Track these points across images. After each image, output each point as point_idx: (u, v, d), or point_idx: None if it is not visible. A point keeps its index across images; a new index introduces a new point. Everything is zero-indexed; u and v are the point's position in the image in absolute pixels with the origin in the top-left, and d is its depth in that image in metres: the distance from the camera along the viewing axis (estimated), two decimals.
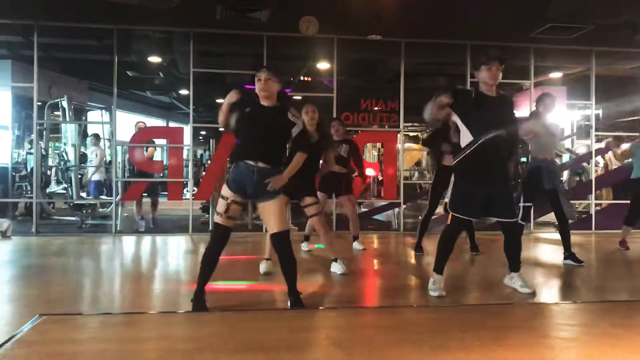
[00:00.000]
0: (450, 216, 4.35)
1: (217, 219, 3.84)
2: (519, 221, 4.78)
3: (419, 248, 6.53)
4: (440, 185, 6.10)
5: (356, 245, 6.87)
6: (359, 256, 6.62)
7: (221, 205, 3.82)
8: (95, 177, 10.15)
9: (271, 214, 3.83)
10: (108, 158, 10.67)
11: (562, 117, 12.10)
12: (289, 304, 3.89)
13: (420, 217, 10.99)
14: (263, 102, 3.88)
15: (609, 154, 12.04)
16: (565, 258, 5.86)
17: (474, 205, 4.26)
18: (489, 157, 4.16)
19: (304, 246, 6.64)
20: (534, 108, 5.95)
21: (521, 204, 5.53)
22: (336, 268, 5.30)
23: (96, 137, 10.38)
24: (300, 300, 3.90)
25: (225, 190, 3.83)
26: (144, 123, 9.29)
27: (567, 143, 12.17)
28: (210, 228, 8.90)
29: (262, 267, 5.27)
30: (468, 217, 4.35)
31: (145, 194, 8.90)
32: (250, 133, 3.83)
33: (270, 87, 3.84)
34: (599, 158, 11.49)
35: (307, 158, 4.59)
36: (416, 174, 16.38)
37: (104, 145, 10.58)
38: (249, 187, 3.79)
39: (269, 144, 3.84)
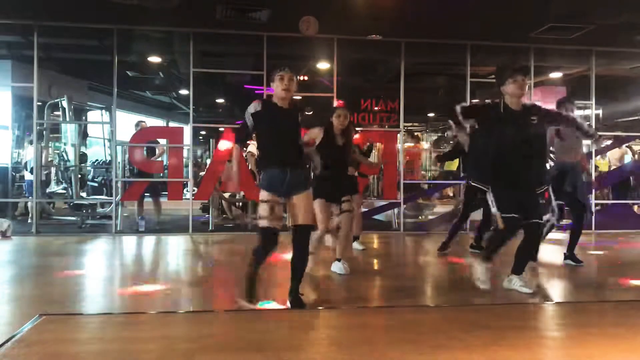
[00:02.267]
0: (501, 220, 4.40)
1: (264, 222, 3.85)
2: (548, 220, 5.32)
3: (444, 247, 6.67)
4: (471, 192, 6.35)
5: (356, 245, 6.89)
6: (359, 256, 6.62)
7: (265, 210, 3.84)
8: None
9: (302, 207, 3.88)
10: (108, 158, 10.66)
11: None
12: (288, 303, 3.89)
13: (420, 217, 11.06)
14: (280, 103, 3.93)
15: (608, 154, 12.07)
16: (565, 258, 5.86)
17: (515, 203, 4.35)
18: (516, 167, 4.34)
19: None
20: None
21: (554, 203, 5.58)
22: (337, 268, 5.31)
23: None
24: (301, 300, 3.91)
25: (263, 195, 3.87)
26: (146, 122, 9.30)
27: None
28: (210, 228, 8.93)
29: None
30: (517, 215, 4.35)
31: (148, 195, 8.89)
32: (275, 137, 3.90)
33: (293, 87, 3.90)
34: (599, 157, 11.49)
35: (337, 161, 5.08)
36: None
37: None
38: (283, 186, 3.85)
39: (293, 144, 3.92)
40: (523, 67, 4.50)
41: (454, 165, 12.74)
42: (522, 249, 4.54)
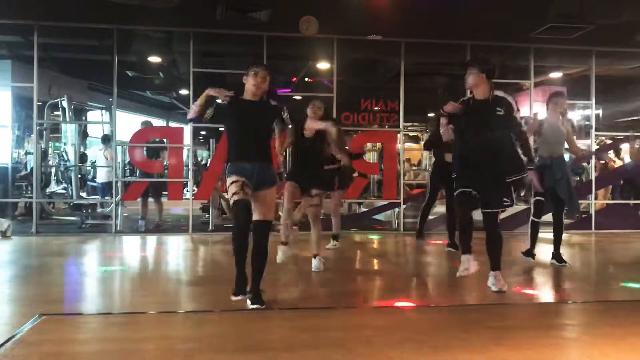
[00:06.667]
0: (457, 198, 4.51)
1: (236, 197, 3.86)
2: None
3: (420, 234, 6.83)
4: (436, 175, 6.61)
5: (331, 244, 6.82)
6: (359, 256, 6.62)
7: (235, 186, 3.85)
8: (104, 179, 10.04)
9: (265, 202, 3.93)
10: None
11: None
12: (248, 302, 3.86)
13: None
14: (249, 97, 3.99)
15: (608, 154, 12.04)
16: (552, 257, 5.83)
17: (471, 181, 4.43)
18: (479, 156, 4.42)
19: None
20: (544, 107, 6.02)
21: (532, 200, 5.73)
22: (315, 265, 5.29)
23: (107, 138, 10.31)
24: (261, 297, 3.88)
25: (231, 178, 3.89)
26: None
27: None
28: (210, 228, 8.92)
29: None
30: (468, 189, 4.42)
31: (150, 196, 8.89)
32: (243, 131, 3.96)
33: (264, 85, 3.98)
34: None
35: (311, 152, 5.15)
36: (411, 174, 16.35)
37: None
38: (253, 177, 3.90)
39: (261, 138, 3.96)
40: (477, 59, 4.77)
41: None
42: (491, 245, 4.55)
